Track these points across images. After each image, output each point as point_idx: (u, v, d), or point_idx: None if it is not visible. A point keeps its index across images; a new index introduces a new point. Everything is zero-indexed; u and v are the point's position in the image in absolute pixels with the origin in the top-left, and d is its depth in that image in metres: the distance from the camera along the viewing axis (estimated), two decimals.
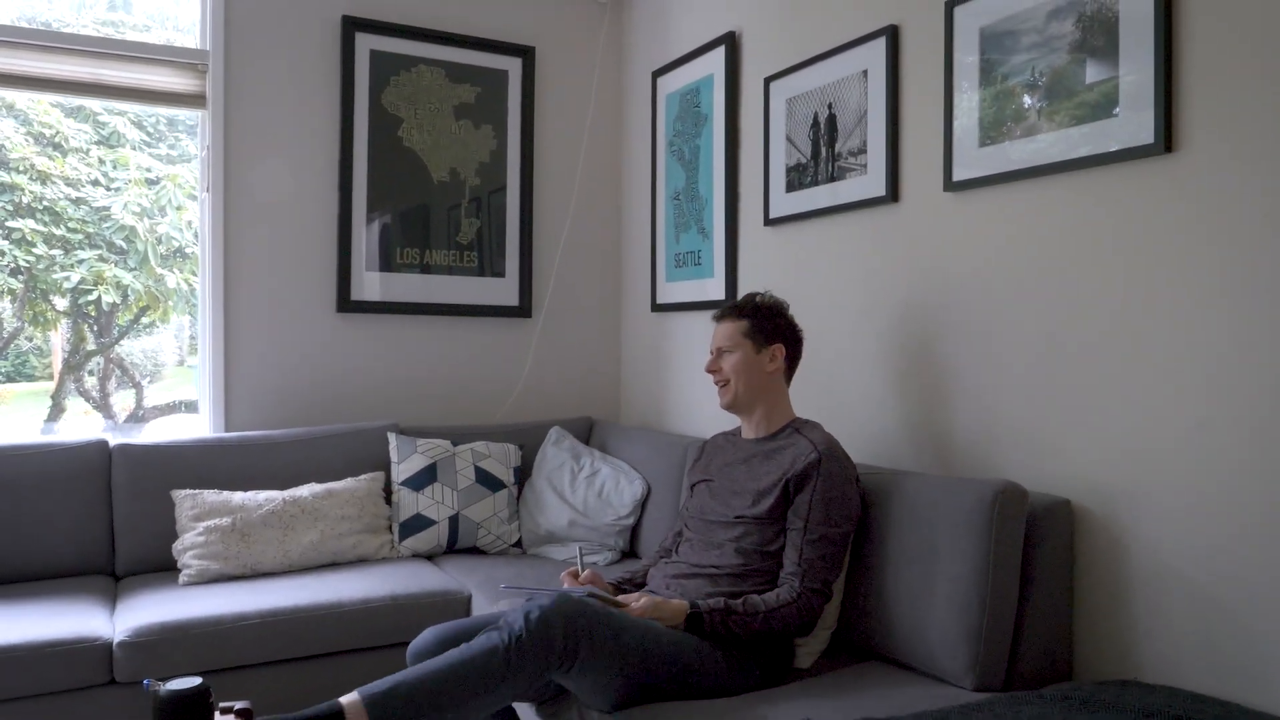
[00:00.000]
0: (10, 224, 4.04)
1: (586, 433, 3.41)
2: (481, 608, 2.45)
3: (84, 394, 4.28)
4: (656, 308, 3.43)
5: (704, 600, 1.90)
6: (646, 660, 1.75)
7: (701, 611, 1.87)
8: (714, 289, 3.07)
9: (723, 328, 2.14)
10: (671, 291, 3.33)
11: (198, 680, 1.54)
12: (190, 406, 3.30)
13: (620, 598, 1.90)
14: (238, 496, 2.71)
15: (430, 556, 2.92)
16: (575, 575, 2.08)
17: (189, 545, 2.59)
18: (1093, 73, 1.87)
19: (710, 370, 2.13)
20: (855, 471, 2.02)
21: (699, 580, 2.02)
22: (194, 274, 3.87)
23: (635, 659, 1.74)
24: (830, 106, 2.55)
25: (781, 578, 1.95)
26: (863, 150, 2.44)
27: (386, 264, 3.30)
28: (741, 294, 2.94)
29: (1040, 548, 1.85)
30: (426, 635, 1.93)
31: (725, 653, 1.87)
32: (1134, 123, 1.81)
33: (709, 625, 1.86)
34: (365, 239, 3.26)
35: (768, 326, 2.11)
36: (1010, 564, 1.81)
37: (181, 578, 2.55)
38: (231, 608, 2.31)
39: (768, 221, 2.81)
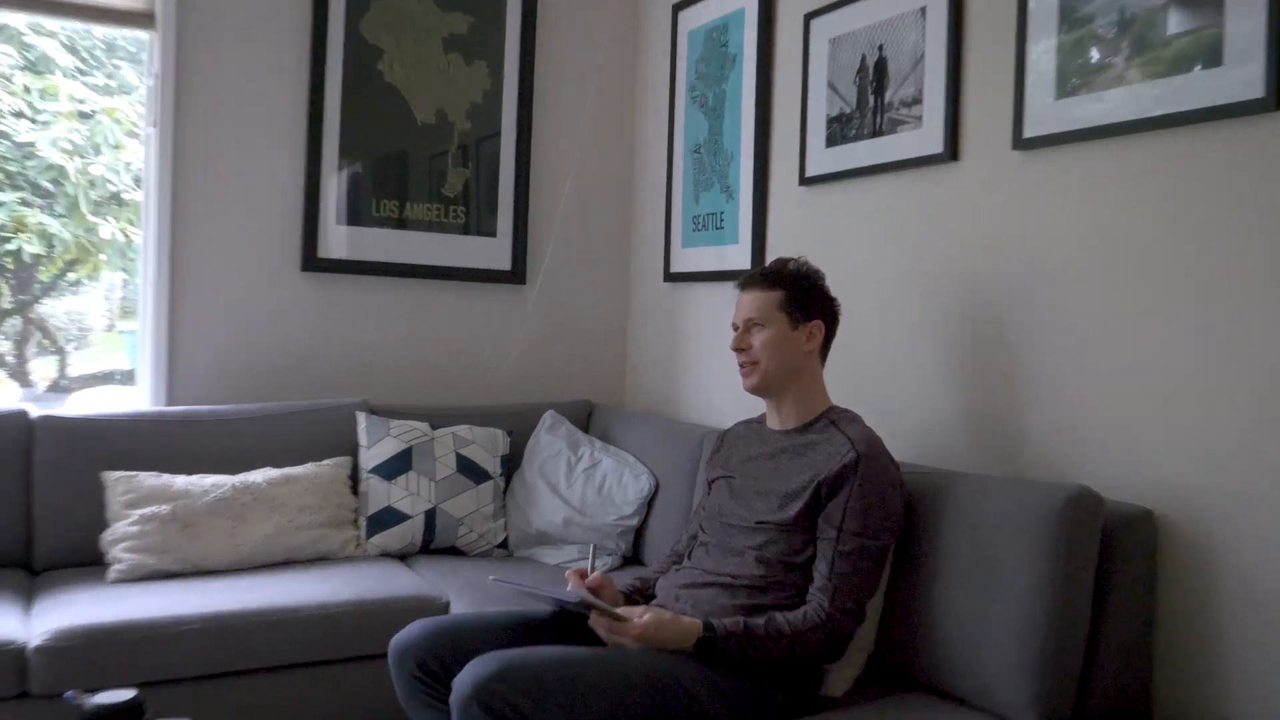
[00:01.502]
0: None
1: (586, 418, 3.37)
2: None
3: None
4: (670, 277, 3.39)
5: (720, 620, 1.86)
6: (628, 713, 1.71)
7: (716, 635, 1.83)
8: (737, 257, 3.03)
9: (751, 298, 2.09)
10: (688, 259, 3.29)
11: (131, 693, 1.49)
12: (125, 377, 3.24)
13: (621, 610, 1.86)
14: (180, 481, 2.67)
15: (402, 556, 2.90)
16: (582, 576, 2.06)
17: (121, 536, 2.55)
18: (1191, 19, 1.82)
19: (737, 348, 2.08)
20: (899, 474, 1.98)
21: (713, 590, 1.98)
22: (133, 223, 3.81)
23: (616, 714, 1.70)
24: (880, 49, 2.50)
25: (809, 594, 1.91)
26: (917, 100, 2.39)
27: (360, 217, 3.27)
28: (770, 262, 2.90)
29: (1117, 565, 1.81)
30: (414, 630, 1.92)
31: (739, 680, 1.83)
32: (1240, 75, 1.75)
33: (724, 650, 1.83)
34: (336, 188, 3.22)
35: (806, 299, 2.07)
36: (1082, 583, 1.76)
37: (111, 574, 2.50)
38: (169, 610, 2.26)
39: (803, 180, 2.77)
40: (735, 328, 2.12)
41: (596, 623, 1.86)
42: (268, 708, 2.32)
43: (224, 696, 2.28)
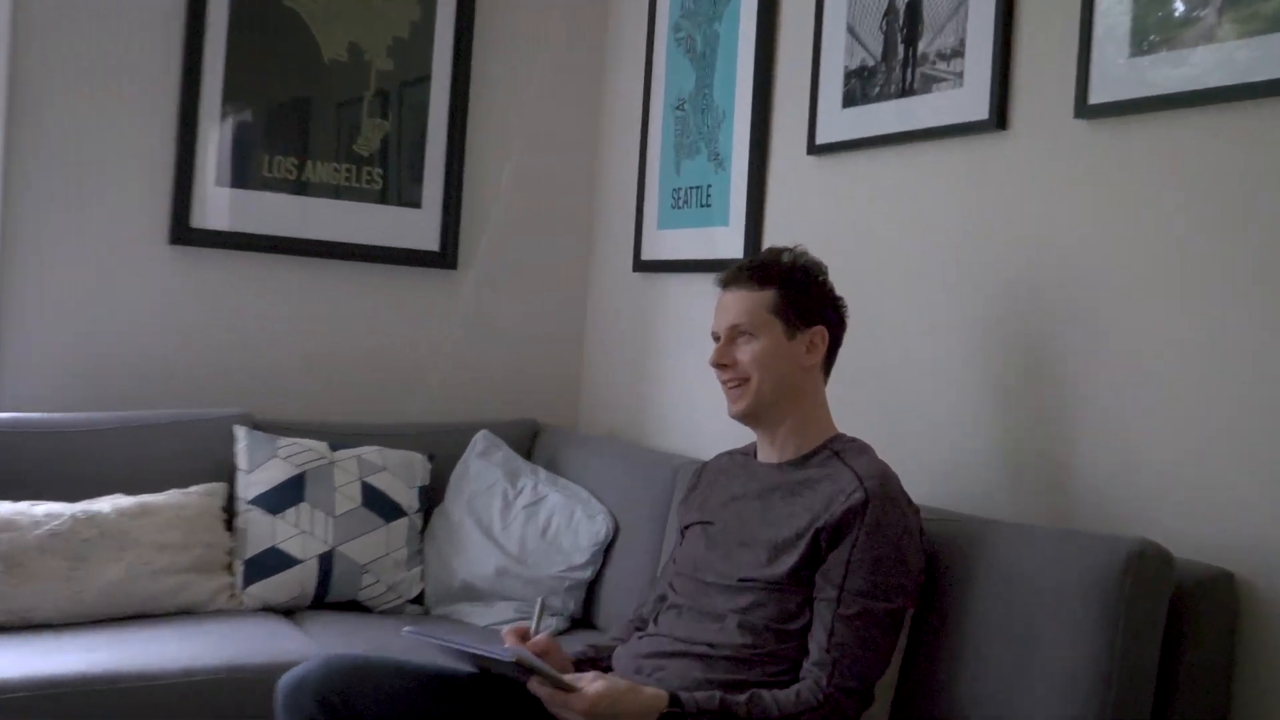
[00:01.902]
0: None
1: (529, 442, 3.39)
2: None
3: None
4: (641, 265, 3.41)
5: (691, 694, 1.88)
6: None
7: (685, 710, 1.84)
8: (728, 242, 3.06)
9: (737, 299, 2.11)
10: (665, 243, 3.31)
11: None
12: None
13: (568, 677, 1.88)
14: (4, 509, 2.67)
15: (289, 612, 2.90)
16: (523, 637, 2.08)
17: None
18: None
19: (719, 363, 2.11)
20: (918, 520, 2.01)
21: (685, 662, 2.00)
22: None
23: None
24: None
25: (804, 669, 1.93)
26: (958, 53, 2.43)
27: (247, 179, 3.28)
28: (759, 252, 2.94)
29: (1189, 639, 1.84)
30: (313, 664, 1.96)
31: None
32: None
33: None
34: (217, 141, 3.23)
35: (805, 300, 2.10)
36: (1144, 658, 1.79)
37: None
38: None
39: (812, 149, 2.81)
40: (716, 338, 2.13)
41: (538, 689, 1.88)
42: None
43: None
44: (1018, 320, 2.32)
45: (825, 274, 2.15)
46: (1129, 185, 2.13)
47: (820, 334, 2.10)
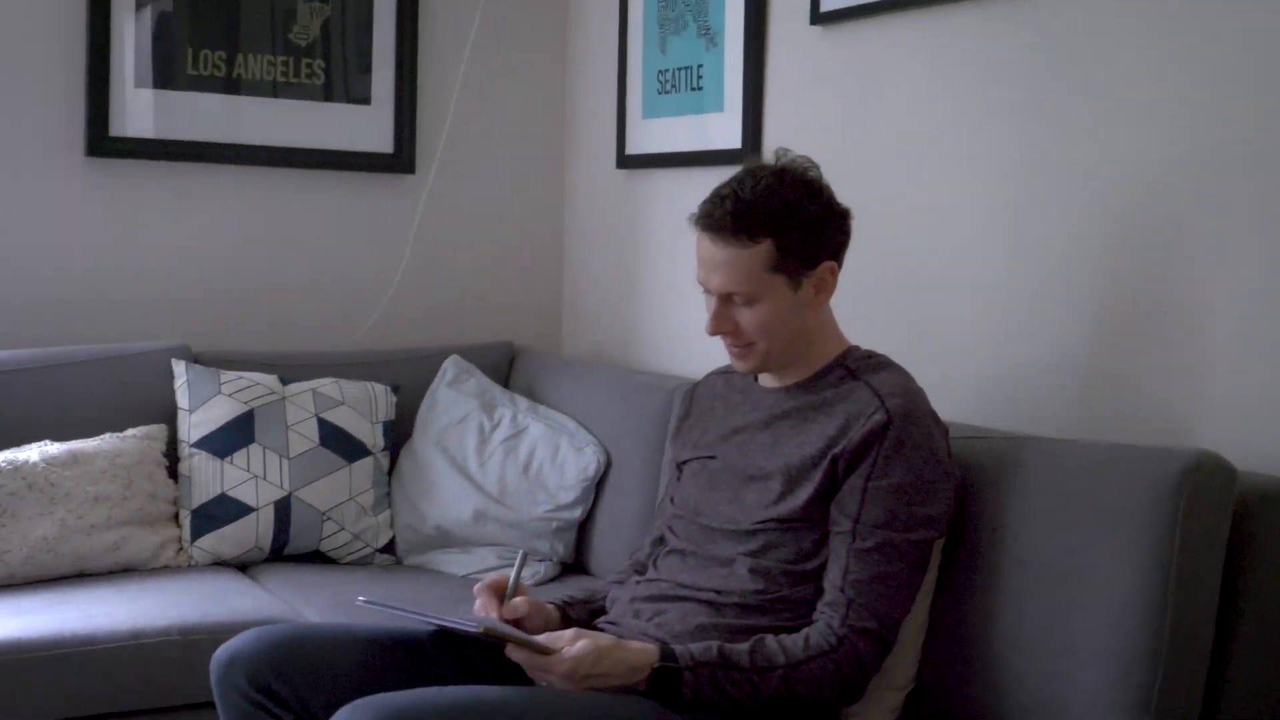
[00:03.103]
0: None
1: (506, 367, 3.41)
2: None
3: None
4: (625, 161, 3.40)
5: (685, 646, 1.89)
6: None
7: (679, 665, 1.86)
8: (723, 131, 3.06)
9: (725, 259, 2.00)
10: (651, 134, 3.30)
11: None
12: None
13: (544, 638, 1.89)
14: None
15: (243, 566, 2.94)
16: (498, 593, 2.07)
17: None
18: None
19: (718, 333, 2.06)
20: (946, 442, 2.01)
21: (688, 605, 2.02)
22: None
23: None
24: None
25: (817, 610, 1.95)
26: None
27: (171, 78, 3.28)
28: (770, 141, 2.92)
29: (1254, 559, 1.84)
30: (247, 637, 1.97)
31: None
32: None
33: (691, 688, 1.85)
34: (135, 35, 3.22)
35: (808, 240, 2.02)
36: (1204, 582, 1.80)
37: None
38: None
39: (818, 17, 2.78)
40: (705, 290, 2.07)
41: (515, 655, 1.90)
42: None
43: None
44: (1066, 213, 2.31)
45: (819, 184, 2.06)
46: (1229, 40, 2.11)
47: (829, 269, 2.05)
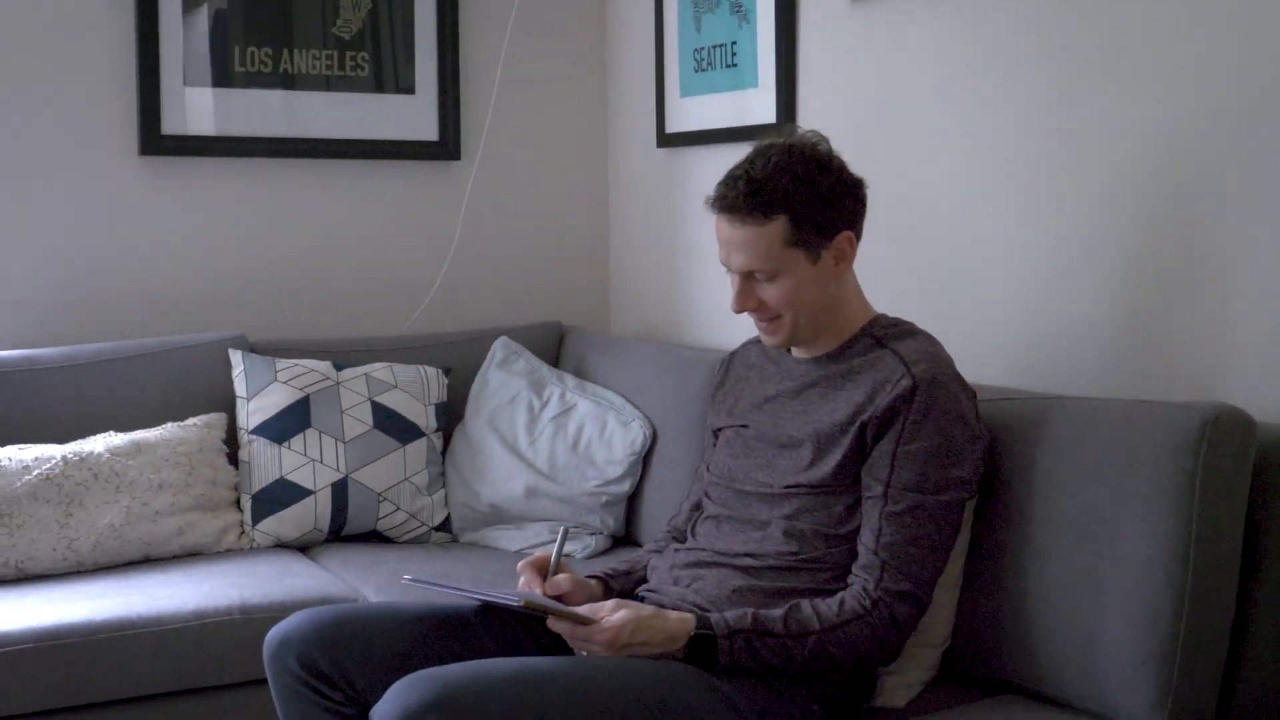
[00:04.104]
0: None
1: (555, 347, 3.46)
2: None
3: None
4: (666, 140, 3.44)
5: (720, 614, 1.95)
6: None
7: (715, 633, 1.92)
8: (760, 105, 3.09)
9: (743, 238, 2.05)
10: (689, 112, 3.34)
11: None
12: None
13: (585, 609, 1.96)
14: None
15: (304, 547, 3.01)
16: (541, 569, 2.14)
17: None
18: None
19: (742, 310, 2.11)
20: (974, 405, 2.05)
21: (724, 571, 2.08)
22: None
23: None
24: None
25: (851, 574, 2.00)
26: None
27: (217, 76, 3.33)
28: (804, 114, 2.97)
29: (1276, 508, 1.88)
30: (298, 619, 2.03)
31: (759, 688, 1.93)
32: None
33: (728, 654, 1.92)
34: (183, 34, 3.27)
35: (822, 213, 2.05)
36: (1225, 534, 1.83)
37: None
38: None
39: None
40: (727, 269, 2.11)
41: (556, 626, 1.97)
42: None
43: None
44: (1101, 176, 2.33)
45: (830, 160, 2.08)
46: None
47: (846, 239, 2.09)
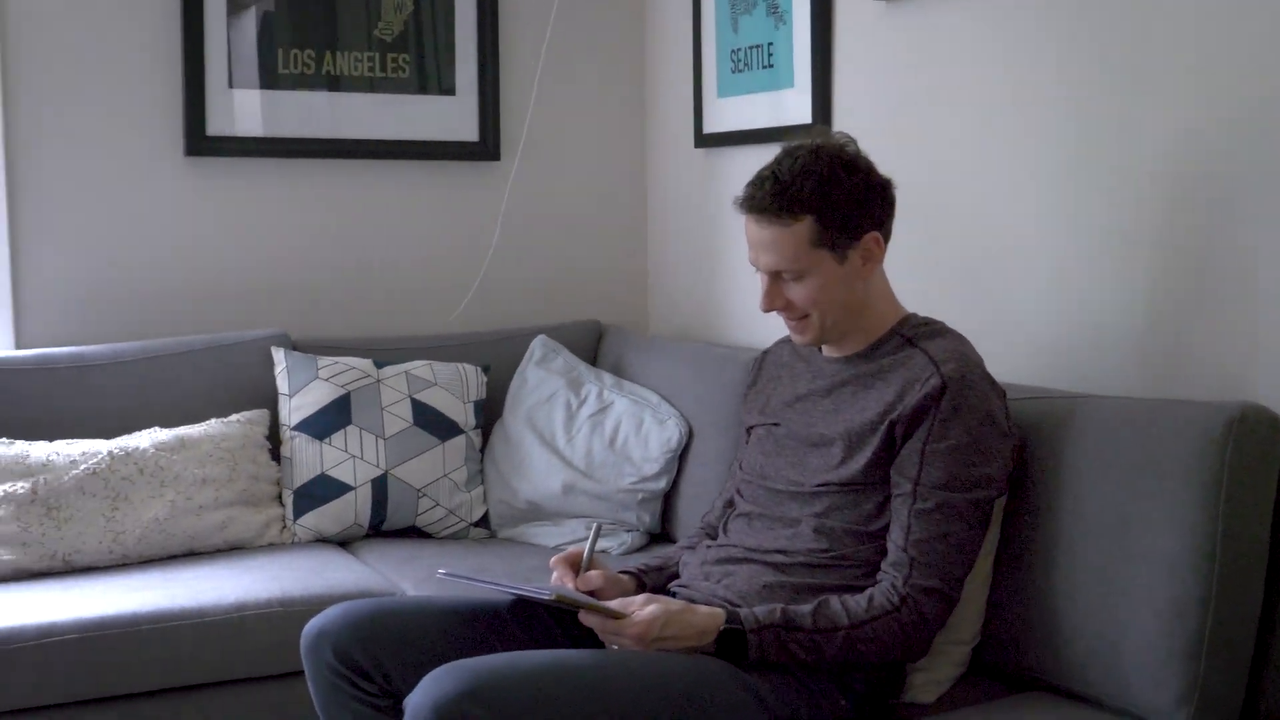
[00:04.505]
0: None
1: (594, 346, 3.50)
2: None
3: None
4: (703, 140, 3.46)
5: (750, 609, 1.98)
6: None
7: (743, 628, 1.95)
8: (797, 106, 3.11)
9: (770, 238, 2.08)
10: (727, 113, 3.36)
11: None
12: None
13: (616, 603, 1.99)
14: (38, 450, 2.84)
15: (344, 542, 3.06)
16: (574, 564, 2.18)
17: None
18: None
19: (770, 310, 2.15)
20: (1003, 403, 2.07)
21: (755, 568, 2.11)
22: None
23: None
24: None
25: (880, 571, 2.03)
26: None
27: (261, 78, 3.38)
28: (839, 114, 3.00)
29: None
30: (334, 613, 2.07)
31: (789, 683, 1.97)
32: None
33: (757, 649, 1.95)
34: (228, 35, 3.32)
35: (849, 214, 2.08)
36: (1252, 531, 1.85)
37: None
38: (34, 618, 2.45)
39: None
40: (755, 269, 2.15)
41: (588, 620, 2.01)
42: None
43: None
44: (1130, 177, 2.34)
45: (858, 161, 2.10)
46: None
47: (873, 239, 2.11)
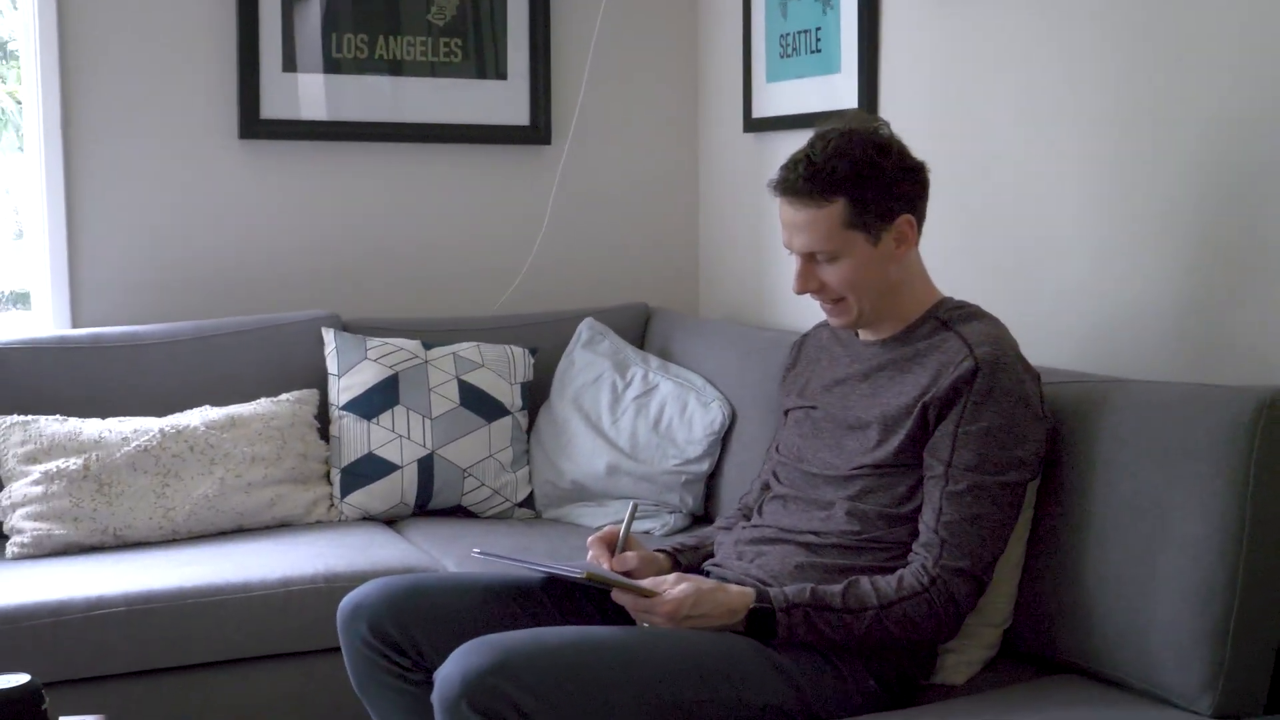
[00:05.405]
0: None
1: (641, 329, 3.53)
2: None
3: None
4: (752, 125, 3.49)
5: (780, 588, 2.01)
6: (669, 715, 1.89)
7: (774, 607, 1.98)
8: (844, 90, 3.13)
9: (804, 220, 2.11)
10: (776, 98, 3.39)
11: (24, 677, 1.74)
12: (21, 300, 3.49)
13: (648, 582, 2.03)
14: (91, 427, 2.92)
15: (390, 520, 3.12)
16: (610, 544, 2.22)
17: (21, 499, 2.82)
18: None
19: (804, 291, 2.18)
20: (1037, 387, 2.09)
21: (787, 548, 2.14)
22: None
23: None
24: None
25: (912, 551, 2.05)
26: None
27: (313, 62, 3.44)
28: (885, 100, 3.01)
29: None
30: (369, 588, 2.13)
31: (817, 662, 2.00)
32: None
33: (786, 628, 1.98)
34: (282, 20, 3.39)
35: (881, 195, 2.10)
36: (1279, 520, 1.87)
37: (10, 548, 2.79)
38: (83, 590, 2.52)
39: None
40: (788, 249, 2.18)
41: (620, 599, 2.05)
42: (214, 712, 2.58)
43: (157, 699, 2.54)
44: (1169, 163, 2.35)
45: (890, 143, 2.12)
46: None
47: (906, 222, 2.13)
